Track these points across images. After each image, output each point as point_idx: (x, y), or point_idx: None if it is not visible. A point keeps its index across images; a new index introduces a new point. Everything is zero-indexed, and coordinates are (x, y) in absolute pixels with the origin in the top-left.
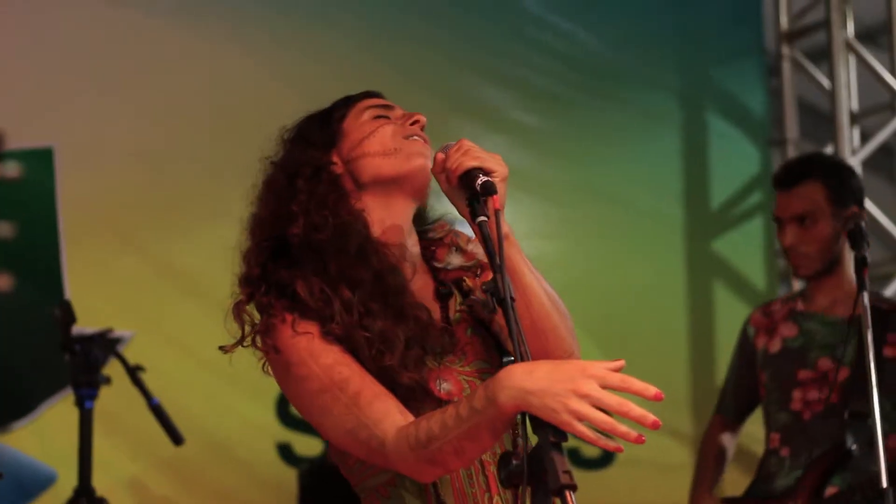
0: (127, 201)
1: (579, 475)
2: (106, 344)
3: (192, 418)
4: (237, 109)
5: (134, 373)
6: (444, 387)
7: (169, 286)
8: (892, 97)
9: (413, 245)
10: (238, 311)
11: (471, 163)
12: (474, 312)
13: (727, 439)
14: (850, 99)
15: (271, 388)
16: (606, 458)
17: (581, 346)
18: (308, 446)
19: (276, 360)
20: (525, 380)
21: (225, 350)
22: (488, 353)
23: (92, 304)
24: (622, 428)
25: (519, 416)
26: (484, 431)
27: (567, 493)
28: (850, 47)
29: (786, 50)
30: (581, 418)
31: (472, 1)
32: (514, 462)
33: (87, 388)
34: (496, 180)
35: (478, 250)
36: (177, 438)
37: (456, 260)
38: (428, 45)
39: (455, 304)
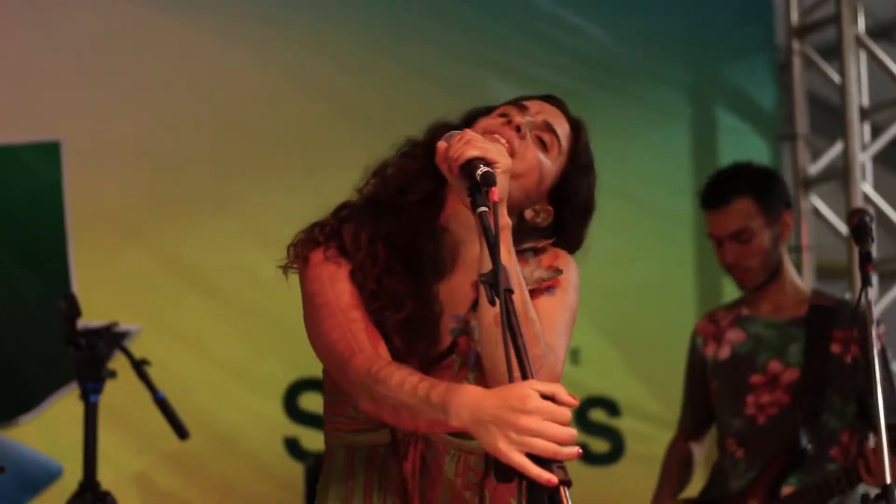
0: (133, 196)
1: (588, 471)
2: (111, 338)
3: (198, 412)
4: (243, 105)
5: (139, 366)
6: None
7: (175, 280)
8: None
9: (471, 242)
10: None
11: (472, 152)
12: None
13: (690, 448)
14: (860, 94)
15: (279, 381)
16: (615, 454)
17: (589, 342)
18: (315, 440)
19: (301, 270)
20: (476, 408)
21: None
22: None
23: (98, 299)
24: (564, 452)
25: None
26: (423, 420)
27: (561, 489)
28: (860, 43)
29: (796, 45)
30: (521, 448)
31: None
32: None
33: (92, 381)
34: (497, 171)
35: (533, 275)
36: (182, 432)
37: (538, 273)
38: (436, 41)
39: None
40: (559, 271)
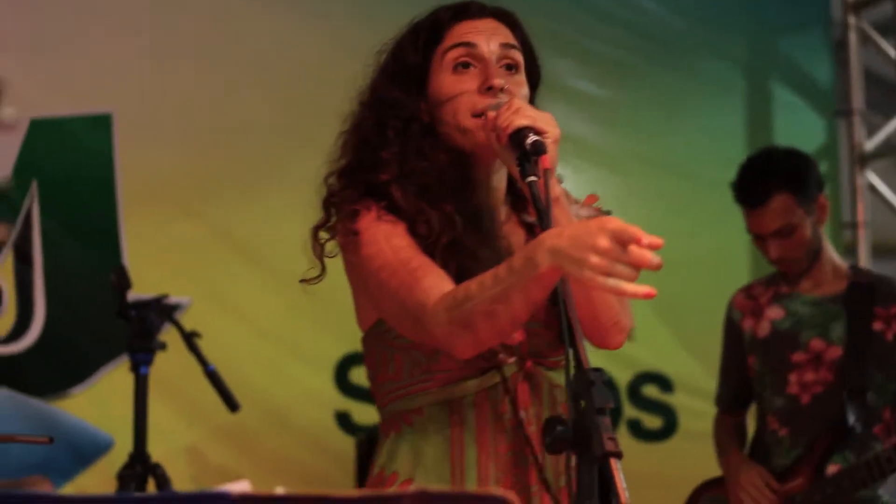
0: (184, 168)
1: (641, 447)
2: (162, 310)
3: (248, 385)
4: (296, 77)
5: (190, 339)
6: None
7: (226, 253)
8: None
9: (503, 184)
10: (317, 232)
11: (522, 121)
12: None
13: (737, 420)
14: None
15: (330, 355)
16: (667, 430)
17: (642, 318)
18: (366, 415)
19: (352, 243)
20: (555, 239)
21: (307, 282)
22: (547, 318)
23: (149, 271)
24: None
25: (567, 389)
26: (517, 293)
27: (612, 461)
28: None
29: (852, 20)
30: (602, 272)
31: None
32: (560, 428)
33: (142, 353)
34: (548, 141)
35: (581, 212)
36: (233, 405)
37: (584, 213)
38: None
39: None
40: (608, 212)
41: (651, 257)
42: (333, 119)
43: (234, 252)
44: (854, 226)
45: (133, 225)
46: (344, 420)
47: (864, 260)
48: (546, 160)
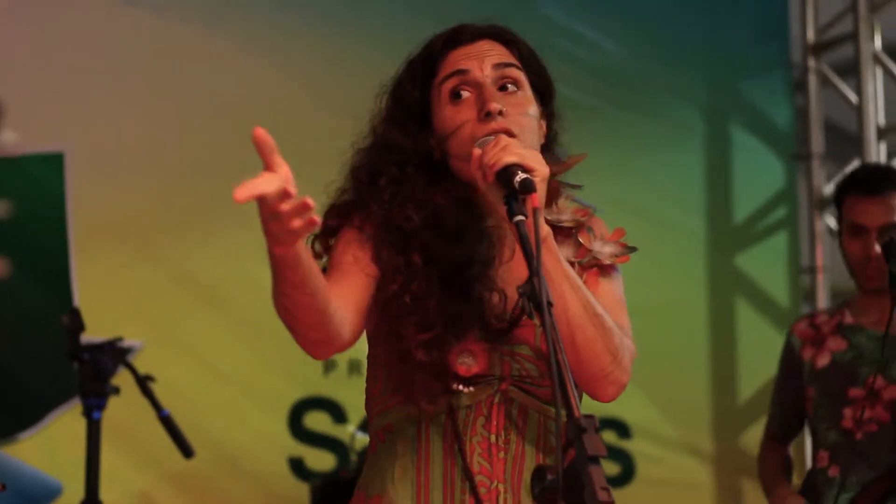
0: (140, 208)
1: None
2: (115, 353)
3: (202, 430)
4: (255, 116)
5: (144, 383)
6: (466, 361)
7: (181, 295)
8: None
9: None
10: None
11: (510, 158)
12: None
13: (784, 452)
14: (877, 113)
15: (285, 399)
16: (625, 477)
17: None
18: (320, 461)
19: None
20: None
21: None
22: (538, 347)
23: (102, 313)
24: None
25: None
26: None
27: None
28: (877, 60)
29: (812, 63)
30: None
31: (497, 9)
32: (550, 477)
33: (95, 397)
34: (536, 179)
35: (602, 249)
36: (187, 451)
37: (564, 253)
38: None
39: None
40: (633, 249)
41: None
42: (294, 159)
43: (188, 293)
44: (813, 270)
45: (85, 266)
46: (298, 466)
47: (822, 305)
48: (535, 199)
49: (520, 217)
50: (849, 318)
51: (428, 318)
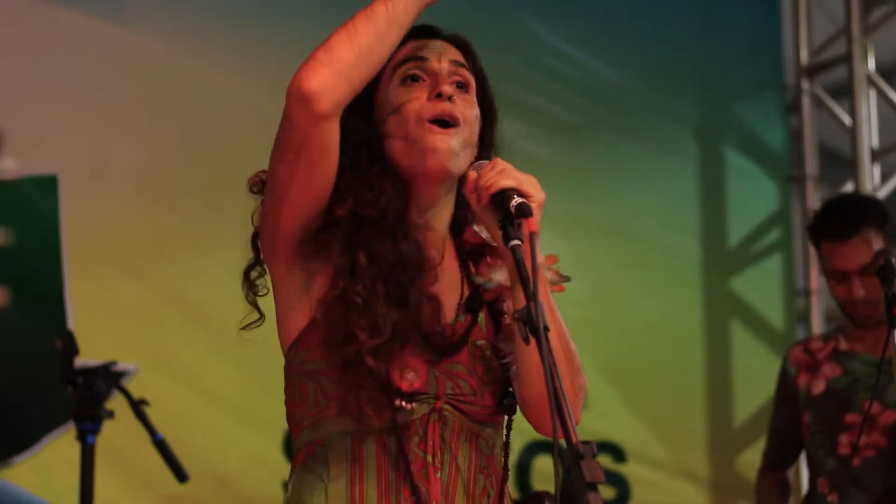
0: (133, 231)
1: None
2: (109, 377)
3: (196, 454)
4: (245, 139)
5: (138, 407)
6: (409, 376)
7: (174, 318)
8: None
9: (442, 223)
10: (249, 273)
11: (507, 182)
12: (498, 334)
13: (782, 478)
14: (870, 135)
15: (278, 423)
16: (622, 500)
17: (594, 385)
18: None
19: (274, 270)
20: None
21: (247, 328)
22: (487, 371)
23: (95, 336)
24: None
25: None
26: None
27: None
28: (871, 82)
29: (805, 85)
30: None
31: (486, 30)
32: (548, 503)
33: (89, 422)
34: (533, 205)
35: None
36: (181, 475)
37: (499, 277)
38: None
39: (485, 318)
40: (566, 278)
41: None
42: None
43: (182, 316)
44: (807, 293)
45: (79, 288)
46: None
47: (817, 328)
48: (532, 223)
49: (515, 241)
50: (843, 345)
51: (377, 323)
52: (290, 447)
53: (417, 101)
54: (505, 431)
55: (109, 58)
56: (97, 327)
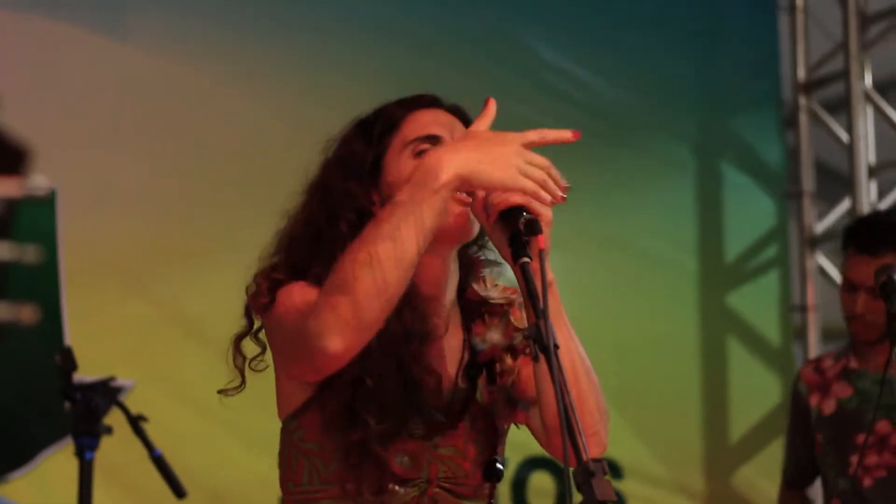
0: (130, 246)
1: None
2: (108, 392)
3: (193, 470)
4: (246, 154)
5: (136, 423)
6: (403, 461)
7: (172, 334)
8: None
9: (449, 294)
10: (239, 342)
11: (516, 199)
12: (495, 399)
13: (801, 498)
14: (867, 152)
15: (274, 440)
16: None
17: None
18: None
19: (269, 311)
20: (456, 154)
21: (226, 394)
22: (464, 445)
23: (93, 352)
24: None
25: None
26: (406, 224)
27: None
28: (868, 98)
29: (803, 101)
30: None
31: (487, 47)
32: None
33: (87, 437)
34: (542, 224)
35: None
36: (179, 491)
37: (494, 337)
38: (440, 90)
39: (483, 385)
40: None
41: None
42: (284, 196)
43: (181, 332)
44: (804, 309)
45: (77, 304)
46: None
47: (814, 344)
48: (541, 240)
49: (524, 259)
50: (854, 363)
51: (385, 406)
52: None
53: None
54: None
55: (110, 72)
56: (94, 343)
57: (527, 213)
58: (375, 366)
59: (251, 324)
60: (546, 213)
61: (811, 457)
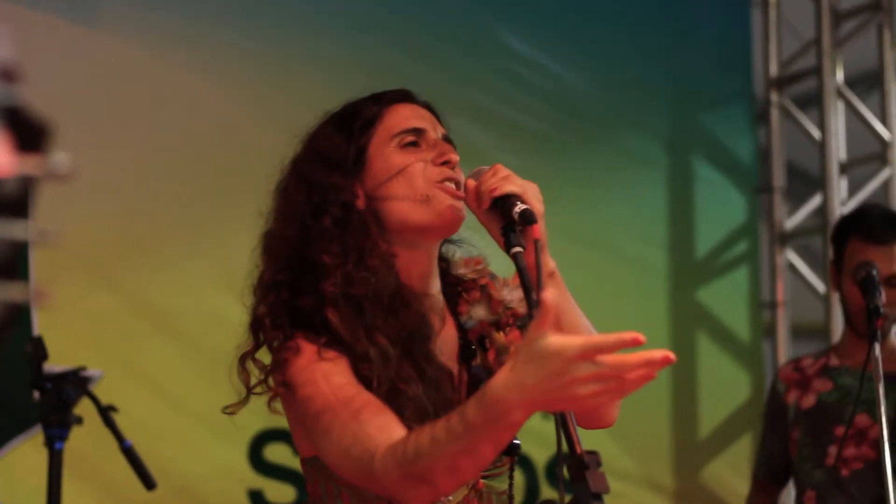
0: (99, 237)
1: None
2: (78, 382)
3: (162, 462)
4: (216, 146)
5: (106, 413)
6: None
7: (141, 325)
8: (881, 147)
9: (436, 287)
10: (245, 360)
11: (512, 188)
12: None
13: (770, 501)
14: (839, 148)
15: (245, 431)
16: None
17: None
18: (280, 493)
19: (285, 394)
20: (522, 393)
21: (229, 411)
22: None
23: (60, 342)
24: (632, 360)
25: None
26: (485, 444)
27: None
28: (840, 94)
29: (774, 97)
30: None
31: (458, 39)
32: None
33: (58, 428)
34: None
35: (511, 296)
36: (149, 483)
37: (480, 313)
38: (412, 82)
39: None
40: (493, 275)
41: (651, 355)
42: (255, 188)
43: (149, 323)
44: (773, 305)
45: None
46: (258, 499)
47: (783, 341)
48: (536, 230)
49: (518, 248)
50: (834, 361)
51: (424, 409)
52: (255, 456)
53: (422, 164)
54: (509, 473)
55: (81, 63)
56: (61, 333)
57: (521, 202)
58: (401, 373)
59: (257, 343)
60: (540, 208)
61: (785, 455)
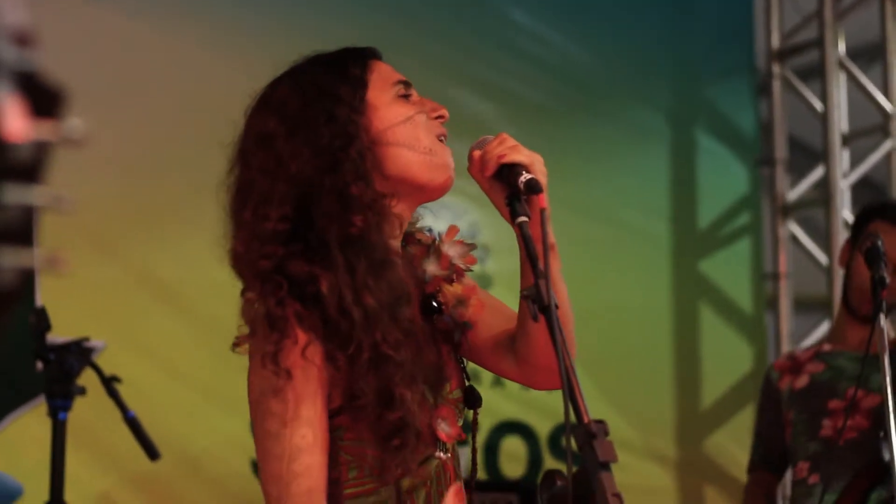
0: (104, 209)
1: None
2: (81, 353)
3: (164, 432)
4: (219, 118)
5: (109, 384)
6: (443, 427)
7: (144, 296)
8: (883, 119)
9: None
10: (248, 309)
11: (518, 157)
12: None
13: (769, 490)
14: (840, 120)
15: (246, 401)
16: None
17: None
18: None
19: (269, 376)
20: None
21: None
22: (459, 377)
23: (63, 313)
24: None
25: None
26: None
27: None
28: (842, 66)
29: (776, 69)
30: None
31: (461, 11)
32: (559, 483)
33: (61, 398)
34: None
35: (451, 251)
36: (153, 453)
37: (432, 268)
38: (414, 54)
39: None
40: (473, 245)
41: None
42: None
43: (153, 294)
44: (776, 277)
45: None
46: None
47: (786, 312)
48: (542, 199)
49: (523, 218)
50: (827, 347)
51: (415, 371)
52: None
53: (423, 115)
54: (472, 427)
55: (83, 35)
56: (64, 304)
57: (527, 171)
58: (387, 337)
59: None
60: (543, 180)
61: (779, 445)
